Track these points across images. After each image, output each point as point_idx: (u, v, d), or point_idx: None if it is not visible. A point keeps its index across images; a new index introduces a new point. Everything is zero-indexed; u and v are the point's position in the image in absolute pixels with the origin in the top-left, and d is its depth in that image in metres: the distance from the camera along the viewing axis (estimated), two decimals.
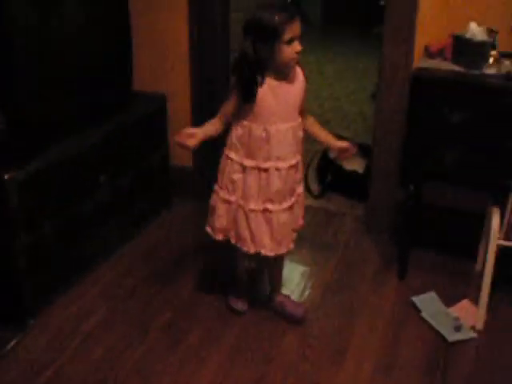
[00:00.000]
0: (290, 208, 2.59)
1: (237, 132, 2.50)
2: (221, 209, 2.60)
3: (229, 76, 3.64)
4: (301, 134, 2.55)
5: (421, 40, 3.07)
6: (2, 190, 2.54)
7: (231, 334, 2.73)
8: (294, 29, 2.30)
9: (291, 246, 2.67)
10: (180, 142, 2.45)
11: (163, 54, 3.60)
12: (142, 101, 3.45)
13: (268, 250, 2.59)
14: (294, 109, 2.49)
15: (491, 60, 2.77)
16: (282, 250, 2.63)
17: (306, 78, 2.53)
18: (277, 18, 2.26)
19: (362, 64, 6.68)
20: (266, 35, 2.30)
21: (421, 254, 3.22)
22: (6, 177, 2.52)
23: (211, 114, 3.57)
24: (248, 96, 2.39)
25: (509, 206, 2.56)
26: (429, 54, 2.95)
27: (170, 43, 3.57)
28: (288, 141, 2.49)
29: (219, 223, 2.62)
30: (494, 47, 2.79)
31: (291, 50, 2.32)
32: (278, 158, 2.48)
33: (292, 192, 2.59)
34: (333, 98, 5.83)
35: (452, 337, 2.69)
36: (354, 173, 3.86)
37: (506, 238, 2.64)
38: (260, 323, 2.80)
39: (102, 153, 3.06)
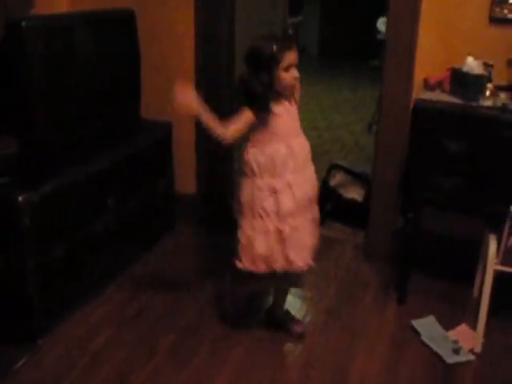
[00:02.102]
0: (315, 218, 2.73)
1: (260, 158, 2.55)
2: (259, 239, 2.59)
3: (231, 102, 3.74)
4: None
5: (420, 73, 3.19)
6: (15, 212, 2.62)
7: (236, 354, 2.79)
8: (292, 57, 2.47)
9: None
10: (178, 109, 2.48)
11: (169, 82, 3.68)
12: (149, 128, 3.56)
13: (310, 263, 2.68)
14: (299, 127, 2.64)
15: (488, 93, 2.88)
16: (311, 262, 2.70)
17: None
18: (275, 46, 2.43)
19: (359, 95, 6.81)
20: (265, 62, 2.44)
21: (419, 280, 3.30)
22: (19, 198, 2.60)
23: (215, 143, 3.69)
24: (267, 112, 2.51)
25: (505, 233, 2.64)
26: (428, 86, 3.07)
27: (176, 71, 3.68)
28: (307, 152, 2.64)
29: (260, 255, 2.60)
30: (490, 80, 2.90)
31: (289, 76, 2.49)
32: (305, 168, 2.61)
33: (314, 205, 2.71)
34: (331, 128, 5.94)
35: (451, 359, 2.75)
36: (353, 201, 3.96)
37: (503, 264, 2.72)
38: (264, 343, 2.86)
39: (111, 177, 3.15)
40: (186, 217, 3.87)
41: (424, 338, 2.88)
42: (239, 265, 2.65)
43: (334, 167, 4.23)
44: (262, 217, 2.58)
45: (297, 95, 2.64)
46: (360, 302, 3.20)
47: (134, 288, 3.25)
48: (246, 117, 2.52)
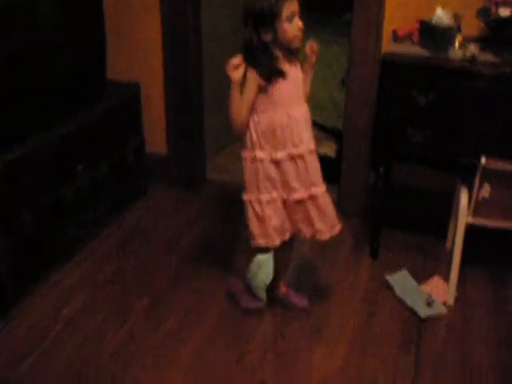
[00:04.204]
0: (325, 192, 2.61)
1: (259, 128, 2.45)
2: (268, 211, 2.51)
3: (201, 62, 3.68)
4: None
5: (389, 26, 3.14)
6: None
7: (210, 316, 2.78)
8: (292, 6, 2.31)
9: (339, 225, 2.65)
10: (230, 70, 2.35)
11: (135, 42, 3.62)
12: (116, 90, 3.48)
13: (323, 234, 2.59)
14: (302, 93, 2.51)
15: (457, 44, 2.84)
16: (335, 231, 2.62)
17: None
18: None
19: (333, 50, 6.73)
20: (265, 17, 2.30)
21: (393, 234, 3.32)
22: None
23: (185, 101, 3.64)
24: (277, 74, 2.38)
25: (476, 185, 2.64)
26: (397, 38, 3.02)
27: (143, 30, 3.59)
28: (308, 122, 2.52)
29: (272, 227, 2.53)
30: (459, 31, 2.86)
31: (293, 28, 2.33)
32: (309, 140, 2.50)
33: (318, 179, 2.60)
34: None
35: (424, 313, 2.77)
36: (326, 156, 3.92)
37: (474, 216, 2.73)
38: (238, 305, 2.85)
39: (79, 142, 3.09)
40: (158, 177, 3.82)
41: (397, 292, 2.90)
42: (253, 243, 2.58)
43: None
44: (268, 190, 2.50)
45: (310, 53, 2.51)
46: (334, 257, 3.20)
47: (107, 252, 3.23)
48: (254, 81, 2.38)
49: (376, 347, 2.62)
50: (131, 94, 3.54)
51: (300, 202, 2.52)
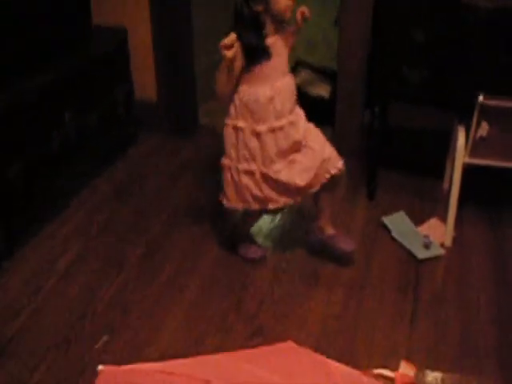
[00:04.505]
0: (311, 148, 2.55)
1: (242, 98, 2.41)
2: (245, 179, 2.51)
3: (189, 2, 3.56)
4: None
5: None
6: None
7: (206, 264, 2.76)
8: None
9: (339, 164, 2.62)
10: (222, 49, 2.27)
11: None
12: (102, 35, 3.38)
13: (313, 187, 2.56)
14: (287, 62, 2.46)
15: None
16: (324, 178, 2.57)
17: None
18: None
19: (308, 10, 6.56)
20: None
21: (389, 175, 3.27)
22: None
23: (173, 43, 3.54)
24: (262, 54, 2.34)
25: (473, 125, 2.58)
26: None
27: None
28: (292, 93, 2.48)
29: (250, 194, 2.53)
30: None
31: None
32: (290, 111, 2.46)
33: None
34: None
35: (422, 254, 2.75)
36: (319, 98, 3.85)
37: (472, 156, 2.67)
38: (233, 252, 2.82)
39: (65, 89, 3.00)
40: (149, 125, 3.74)
41: (394, 233, 2.87)
42: (227, 205, 2.59)
43: (299, 64, 4.09)
44: (246, 160, 2.47)
45: (300, 18, 2.43)
46: None
47: (99, 202, 3.18)
48: (238, 61, 2.33)
49: (374, 290, 2.60)
50: (118, 39, 3.43)
51: (279, 171, 2.49)
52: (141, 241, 2.90)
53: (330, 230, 2.76)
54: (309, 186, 2.54)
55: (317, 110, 3.86)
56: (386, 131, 3.08)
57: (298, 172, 2.50)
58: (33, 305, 2.54)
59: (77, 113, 3.09)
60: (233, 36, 2.26)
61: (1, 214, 2.69)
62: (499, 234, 2.90)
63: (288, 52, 2.50)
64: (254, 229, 2.91)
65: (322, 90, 3.86)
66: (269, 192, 2.53)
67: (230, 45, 2.26)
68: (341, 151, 3.43)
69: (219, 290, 2.62)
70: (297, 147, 2.51)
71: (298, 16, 2.43)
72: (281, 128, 2.44)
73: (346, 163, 3.37)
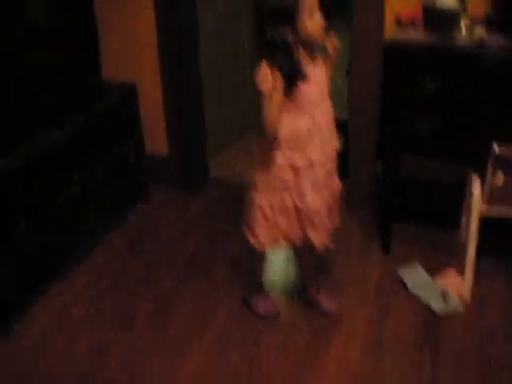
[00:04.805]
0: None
1: (281, 131, 2.30)
2: (280, 216, 2.44)
3: (198, 58, 3.57)
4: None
5: (391, 10, 3.01)
6: None
7: (218, 319, 2.70)
8: (311, 0, 2.20)
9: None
10: (259, 84, 2.22)
11: (131, 41, 3.52)
12: (112, 90, 3.38)
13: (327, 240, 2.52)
14: (326, 92, 2.39)
15: (463, 27, 2.73)
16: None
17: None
18: None
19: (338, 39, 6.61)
20: (284, 14, 2.20)
21: (403, 227, 3.20)
22: None
23: (183, 99, 3.55)
24: (299, 76, 2.25)
25: (489, 173, 2.54)
26: (400, 24, 2.91)
27: (138, 30, 3.48)
28: (331, 122, 2.42)
29: (280, 231, 2.47)
30: (465, 14, 2.75)
31: (313, 23, 2.22)
32: (329, 144, 2.40)
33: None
34: None
35: (440, 308, 2.67)
36: None
37: (488, 206, 2.62)
38: (245, 307, 2.76)
39: (75, 145, 2.99)
40: (159, 180, 3.72)
41: (410, 286, 2.80)
42: (252, 240, 2.52)
43: None
44: (282, 196, 2.41)
45: (331, 50, 2.37)
46: (345, 253, 3.10)
47: (110, 257, 3.14)
48: (279, 83, 2.23)
49: (391, 347, 2.53)
50: (127, 95, 3.43)
51: (316, 210, 2.42)
52: (152, 296, 2.85)
53: (314, 291, 2.74)
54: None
55: None
56: (398, 182, 3.04)
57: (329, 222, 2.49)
58: (43, 364, 2.50)
59: (86, 169, 3.08)
60: (265, 69, 2.22)
61: (8, 273, 2.65)
62: None
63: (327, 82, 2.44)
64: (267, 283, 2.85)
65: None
66: (297, 227, 2.46)
67: (266, 79, 2.21)
68: (354, 204, 3.41)
69: (232, 346, 2.56)
70: (329, 183, 2.46)
71: (330, 49, 2.38)
72: (320, 161, 2.36)
73: (359, 215, 3.37)
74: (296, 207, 2.41)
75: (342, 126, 3.83)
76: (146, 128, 3.62)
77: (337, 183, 2.53)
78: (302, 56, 2.28)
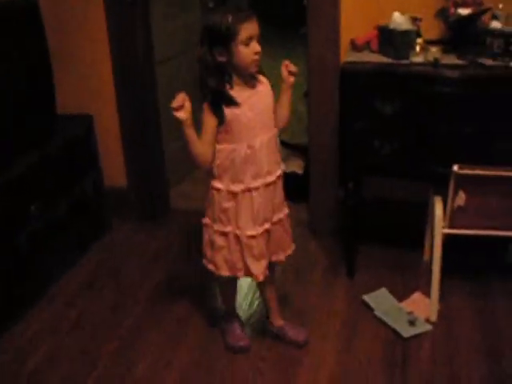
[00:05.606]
0: (281, 221, 2.50)
1: (217, 159, 2.31)
2: (219, 241, 2.42)
3: (155, 86, 3.53)
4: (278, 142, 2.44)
5: (346, 35, 3.03)
6: None
7: (182, 357, 2.62)
8: (251, 28, 2.17)
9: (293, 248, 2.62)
10: (174, 111, 2.21)
11: (86, 75, 3.47)
12: (68, 124, 3.33)
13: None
14: (270, 118, 2.35)
15: (417, 48, 2.74)
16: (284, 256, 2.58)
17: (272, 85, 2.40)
18: (230, 18, 2.14)
19: (293, 63, 6.64)
20: (220, 37, 2.17)
21: (368, 251, 3.19)
22: None
23: (141, 130, 3.49)
24: (226, 101, 2.24)
25: (450, 194, 2.52)
26: (355, 47, 2.91)
27: (92, 62, 3.44)
28: (272, 150, 2.36)
29: (221, 257, 2.44)
30: (419, 35, 2.76)
31: (249, 52, 2.19)
32: (268, 172, 2.34)
33: (281, 206, 2.49)
34: None
35: (407, 332, 2.64)
36: (293, 174, 3.79)
37: (451, 226, 2.60)
38: (210, 341, 2.70)
39: (31, 182, 2.92)
40: (120, 212, 3.66)
41: (377, 312, 2.76)
42: (208, 266, 2.51)
43: None
44: (222, 221, 2.38)
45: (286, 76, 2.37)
46: (309, 280, 3.06)
47: (71, 295, 3.06)
48: (210, 120, 2.26)
49: (360, 372, 2.48)
50: (84, 127, 3.38)
51: (253, 238, 2.38)
52: (114, 335, 2.76)
53: (278, 322, 2.69)
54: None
55: (291, 187, 3.82)
56: (361, 206, 3.01)
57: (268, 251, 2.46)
58: None
59: (44, 205, 3.00)
60: (181, 96, 2.19)
61: None
62: (485, 304, 2.81)
63: (284, 109, 2.43)
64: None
65: (296, 167, 3.82)
66: (238, 258, 2.42)
67: (181, 105, 2.19)
68: (317, 229, 3.38)
69: (198, 381, 2.49)
70: (271, 213, 2.41)
71: (284, 72, 2.38)
72: (256, 189, 2.33)
73: (323, 241, 3.33)
74: (236, 236, 2.39)
75: (302, 151, 3.84)
76: (105, 160, 3.56)
77: (284, 211, 2.51)
78: (237, 82, 2.26)
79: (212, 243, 2.45)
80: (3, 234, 2.76)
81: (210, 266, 2.50)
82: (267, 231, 2.42)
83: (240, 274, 2.47)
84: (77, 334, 2.79)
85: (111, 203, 3.61)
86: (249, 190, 2.33)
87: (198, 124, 2.28)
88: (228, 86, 2.25)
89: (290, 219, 2.56)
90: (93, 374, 2.54)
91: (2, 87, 2.82)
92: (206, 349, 2.66)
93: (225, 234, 2.40)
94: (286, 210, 2.52)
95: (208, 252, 2.50)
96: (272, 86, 2.39)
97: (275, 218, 2.45)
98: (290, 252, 2.60)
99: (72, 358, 2.64)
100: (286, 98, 2.44)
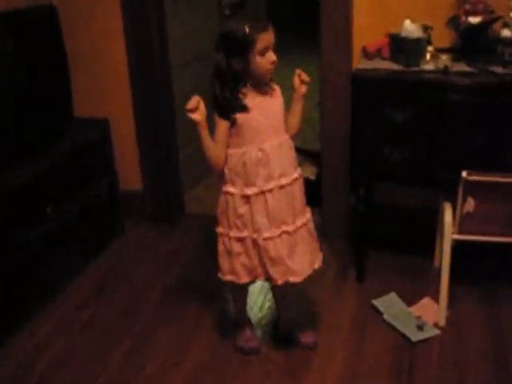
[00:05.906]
0: (305, 225, 2.49)
1: (229, 163, 2.34)
2: (236, 247, 2.41)
3: (171, 90, 3.58)
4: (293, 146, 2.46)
5: (358, 42, 3.07)
6: None
7: (193, 358, 2.65)
8: (267, 39, 2.20)
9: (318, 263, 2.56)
10: (188, 113, 2.25)
11: (102, 78, 3.53)
12: (84, 127, 3.39)
13: (299, 276, 2.45)
14: (280, 124, 2.38)
15: (428, 56, 2.77)
16: (314, 267, 2.52)
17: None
18: (248, 27, 2.17)
19: (308, 71, 6.68)
20: (237, 46, 2.20)
21: (379, 256, 3.21)
22: None
23: (157, 134, 3.55)
24: (238, 109, 2.27)
25: (459, 201, 2.54)
26: (367, 55, 2.95)
27: (109, 66, 3.51)
28: (285, 154, 2.38)
29: (240, 263, 2.43)
30: (429, 43, 2.79)
31: (265, 61, 2.23)
32: (281, 175, 2.36)
33: (303, 209, 2.49)
34: None
35: (415, 337, 2.66)
36: (306, 180, 3.81)
37: (460, 232, 2.62)
38: (220, 344, 2.73)
39: (47, 183, 2.98)
40: (134, 215, 3.71)
41: (386, 316, 2.78)
42: (221, 277, 2.50)
43: None
44: (238, 227, 2.39)
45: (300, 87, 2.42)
46: (319, 284, 3.07)
47: (84, 296, 3.11)
48: (223, 122, 2.29)
49: (367, 376, 2.50)
50: (100, 131, 3.45)
51: (270, 239, 2.38)
52: (126, 336, 2.80)
53: (286, 325, 2.72)
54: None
55: (305, 193, 3.86)
56: (372, 212, 3.04)
57: (292, 254, 2.43)
58: None
59: (58, 206, 3.06)
60: (196, 98, 2.24)
61: None
62: (494, 311, 2.82)
63: (295, 118, 2.46)
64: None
65: (308, 172, 3.84)
66: (257, 263, 2.42)
67: (195, 107, 2.23)
68: (329, 234, 3.41)
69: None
70: (289, 215, 2.41)
71: (296, 81, 2.42)
72: (270, 191, 2.34)
73: (334, 245, 3.36)
74: (252, 240, 2.40)
75: (314, 157, 3.87)
76: (120, 163, 3.61)
77: (307, 215, 2.51)
78: (251, 89, 2.30)
79: (229, 252, 2.44)
80: (18, 235, 2.82)
81: (229, 277, 2.48)
82: (286, 234, 2.41)
83: (260, 278, 2.48)
84: (89, 335, 2.83)
85: (126, 206, 3.66)
86: (262, 192, 2.34)
87: (211, 127, 2.33)
88: (241, 94, 2.29)
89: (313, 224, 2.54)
90: (105, 373, 2.58)
91: (22, 89, 2.89)
92: (216, 351, 2.69)
93: (241, 240, 2.41)
94: (308, 215, 2.52)
95: (225, 263, 2.47)
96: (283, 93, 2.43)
97: (299, 223, 2.44)
98: (319, 263, 2.56)
99: (84, 358, 2.68)
100: (297, 106, 2.47)
